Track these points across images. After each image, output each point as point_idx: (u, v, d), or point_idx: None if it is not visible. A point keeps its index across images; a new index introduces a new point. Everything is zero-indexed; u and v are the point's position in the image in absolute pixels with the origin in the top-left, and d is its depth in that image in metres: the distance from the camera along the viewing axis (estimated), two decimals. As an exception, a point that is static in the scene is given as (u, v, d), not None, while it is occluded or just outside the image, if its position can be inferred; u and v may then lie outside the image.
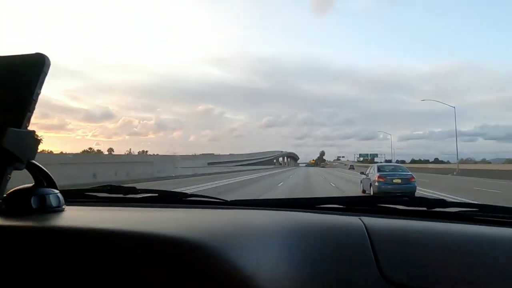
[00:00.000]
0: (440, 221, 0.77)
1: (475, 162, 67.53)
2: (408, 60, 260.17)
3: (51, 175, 0.76)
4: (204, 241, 0.54)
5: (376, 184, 10.96)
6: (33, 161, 0.68)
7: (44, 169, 0.75)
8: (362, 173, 13.88)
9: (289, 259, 0.59)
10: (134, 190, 1.09)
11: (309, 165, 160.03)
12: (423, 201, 0.89)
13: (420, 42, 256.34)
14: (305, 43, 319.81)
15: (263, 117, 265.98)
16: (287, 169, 77.07)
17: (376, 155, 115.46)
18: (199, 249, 0.52)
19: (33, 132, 0.60)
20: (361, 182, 14.06)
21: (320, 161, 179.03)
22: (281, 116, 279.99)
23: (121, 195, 1.08)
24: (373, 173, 11.84)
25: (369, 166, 13.72)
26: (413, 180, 11.01)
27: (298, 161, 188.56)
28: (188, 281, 0.50)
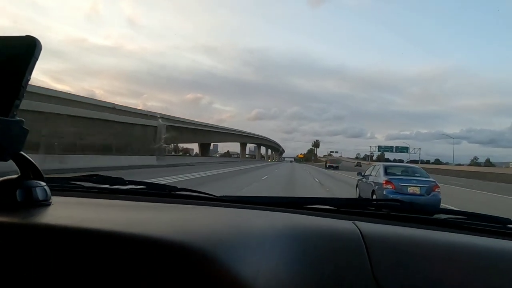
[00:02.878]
0: (431, 228, 0.84)
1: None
2: (398, 61, 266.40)
3: (38, 166, 0.75)
4: (202, 245, 0.54)
5: (383, 192, 7.85)
6: (21, 152, 0.67)
7: (31, 160, 0.73)
8: (359, 173, 10.76)
9: (288, 264, 0.61)
10: (121, 181, 1.13)
11: (296, 160, 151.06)
12: (414, 206, 0.99)
13: (410, 44, 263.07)
14: (297, 37, 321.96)
15: (252, 109, 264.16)
16: (251, 166, 39.33)
17: (406, 149, 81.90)
18: (198, 254, 0.52)
19: (22, 121, 0.59)
20: (357, 185, 11.01)
21: (312, 156, 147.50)
22: (270, 109, 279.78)
23: (107, 186, 1.11)
24: (377, 176, 8.79)
25: (372, 164, 10.50)
26: (437, 189, 7.89)
27: (284, 155, 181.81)
28: (186, 287, 0.50)
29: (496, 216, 0.93)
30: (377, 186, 8.43)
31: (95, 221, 0.64)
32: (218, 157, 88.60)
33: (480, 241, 0.76)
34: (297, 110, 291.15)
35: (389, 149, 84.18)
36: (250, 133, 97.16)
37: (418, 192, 7.82)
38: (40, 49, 0.58)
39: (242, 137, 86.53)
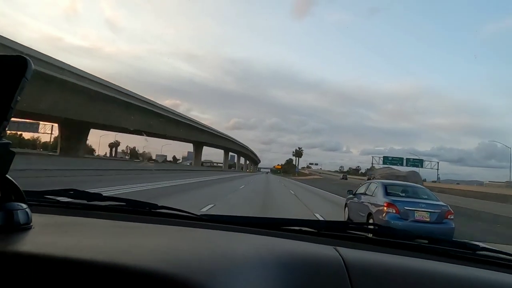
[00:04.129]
0: (408, 254, 0.92)
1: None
2: (374, 78, 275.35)
3: (20, 188, 0.74)
4: (189, 276, 0.54)
5: (384, 217, 6.46)
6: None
7: (14, 182, 0.73)
8: (350, 191, 9.38)
9: None
10: (99, 197, 1.14)
11: (273, 171, 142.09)
12: (390, 231, 1.08)
13: (387, 63, 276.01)
14: (279, 49, 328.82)
15: (231, 118, 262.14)
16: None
17: (421, 162, 66.21)
18: (184, 285, 0.52)
19: (9, 143, 0.58)
20: (345, 205, 9.65)
21: (296, 168, 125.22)
22: (249, 119, 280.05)
23: (84, 201, 1.12)
24: (374, 196, 7.43)
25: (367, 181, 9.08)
26: (450, 216, 6.58)
27: (260, 165, 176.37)
28: None
29: (466, 242, 1.02)
30: (375, 209, 7.07)
31: (80, 248, 0.63)
32: (150, 163, 54.69)
33: (455, 269, 0.83)
34: (276, 122, 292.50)
35: (398, 161, 66.00)
36: (210, 128, 60.65)
37: (428, 219, 6.51)
38: (32, 70, 0.57)
39: (192, 131, 49.13)
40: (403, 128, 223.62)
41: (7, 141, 0.57)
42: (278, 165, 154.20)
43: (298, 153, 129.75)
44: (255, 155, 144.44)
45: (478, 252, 0.96)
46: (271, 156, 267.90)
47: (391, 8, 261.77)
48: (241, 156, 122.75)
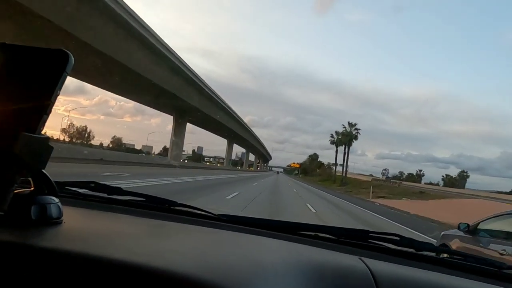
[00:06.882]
0: (432, 269, 0.92)
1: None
2: (392, 81, 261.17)
3: (53, 181, 0.76)
4: (223, 284, 0.54)
5: None
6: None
7: (48, 176, 0.74)
8: (465, 225, 4.99)
9: None
10: (119, 191, 1.19)
11: (287, 171, 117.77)
12: (413, 242, 1.07)
13: (405, 66, 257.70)
14: (296, 47, 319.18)
15: (246, 115, 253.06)
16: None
17: None
18: None
19: (48, 138, 0.59)
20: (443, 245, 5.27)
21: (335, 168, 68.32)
22: (264, 117, 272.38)
23: (105, 195, 1.16)
24: None
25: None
26: None
27: (271, 163, 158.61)
28: None
29: (492, 259, 1.02)
30: None
31: (113, 248, 0.64)
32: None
33: (481, 287, 0.84)
34: (291, 121, 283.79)
35: None
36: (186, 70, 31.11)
37: None
38: (72, 63, 0.58)
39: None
40: (421, 133, 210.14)
41: (46, 135, 0.58)
42: (295, 163, 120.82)
43: (348, 138, 60.28)
44: (263, 147, 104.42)
45: (504, 270, 0.96)
46: (284, 155, 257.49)
47: (411, 10, 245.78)
48: (234, 142, 77.92)
